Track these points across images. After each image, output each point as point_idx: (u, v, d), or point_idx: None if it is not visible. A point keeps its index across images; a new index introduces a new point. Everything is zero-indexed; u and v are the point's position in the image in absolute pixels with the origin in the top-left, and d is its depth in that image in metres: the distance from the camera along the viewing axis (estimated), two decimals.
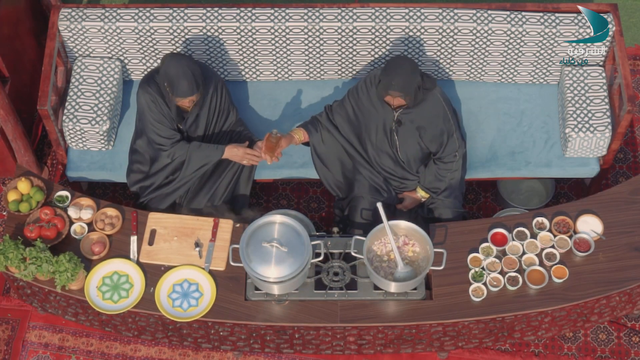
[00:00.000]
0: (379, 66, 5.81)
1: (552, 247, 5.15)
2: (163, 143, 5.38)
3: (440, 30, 5.59)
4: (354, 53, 5.75)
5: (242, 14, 5.62)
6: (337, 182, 5.60)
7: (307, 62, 5.82)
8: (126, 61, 5.81)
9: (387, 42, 5.66)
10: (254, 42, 5.69)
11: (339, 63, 5.82)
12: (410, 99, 5.11)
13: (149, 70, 5.84)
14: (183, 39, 5.65)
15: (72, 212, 5.24)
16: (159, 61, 5.79)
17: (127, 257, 5.16)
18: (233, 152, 5.41)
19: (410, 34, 5.61)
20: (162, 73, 5.21)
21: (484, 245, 5.15)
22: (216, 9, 5.63)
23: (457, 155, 5.37)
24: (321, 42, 5.68)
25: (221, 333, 5.19)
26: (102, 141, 5.69)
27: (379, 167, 5.46)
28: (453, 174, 5.42)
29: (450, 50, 5.71)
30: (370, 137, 5.38)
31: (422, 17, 5.58)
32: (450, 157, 5.36)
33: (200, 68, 5.27)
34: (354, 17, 5.60)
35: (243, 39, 5.67)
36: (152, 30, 5.62)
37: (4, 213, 6.05)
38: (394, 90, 5.06)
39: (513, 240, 5.17)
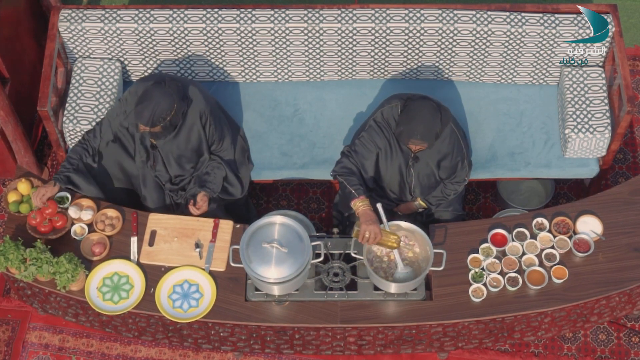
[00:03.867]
0: (379, 66, 5.83)
1: (552, 247, 5.15)
2: (91, 130, 5.34)
3: (440, 32, 5.60)
4: (354, 54, 5.76)
5: (242, 15, 5.62)
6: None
7: (307, 63, 5.82)
8: (126, 62, 5.81)
9: (387, 43, 5.67)
10: (254, 43, 5.69)
11: (339, 64, 5.83)
12: (431, 144, 5.07)
13: (149, 71, 5.84)
14: (183, 40, 5.66)
15: (73, 213, 5.24)
16: (159, 62, 5.79)
17: (128, 258, 5.16)
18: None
19: (410, 35, 5.62)
20: (145, 88, 5.13)
21: (483, 245, 5.15)
22: (216, 10, 5.63)
23: (465, 179, 5.37)
24: (321, 43, 5.69)
25: (221, 334, 5.20)
26: None
27: (385, 192, 5.44)
28: (456, 194, 5.42)
29: (449, 51, 5.71)
30: (386, 172, 5.31)
31: (422, 18, 5.59)
32: (460, 182, 5.36)
33: (179, 109, 5.09)
34: (354, 18, 5.61)
35: (243, 40, 5.67)
36: (152, 32, 5.62)
37: (4, 214, 6.05)
38: (417, 139, 5.00)
39: (513, 240, 5.17)
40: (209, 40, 5.67)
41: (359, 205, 4.99)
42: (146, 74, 5.85)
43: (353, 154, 5.21)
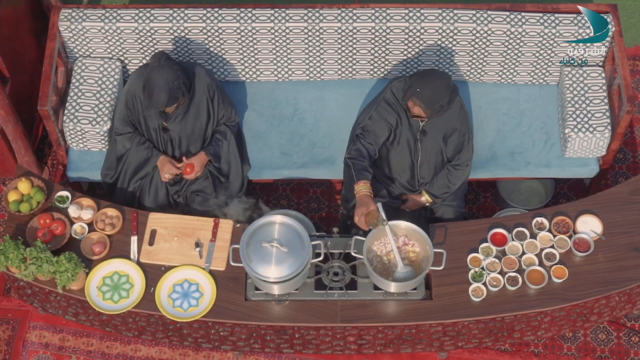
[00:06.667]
0: (379, 65, 5.83)
1: (552, 247, 5.16)
2: (117, 128, 5.48)
3: (440, 31, 5.60)
4: (354, 54, 5.76)
5: (242, 15, 5.63)
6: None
7: (307, 63, 5.83)
8: (127, 61, 5.82)
9: (387, 42, 5.67)
10: (254, 42, 5.70)
11: (339, 63, 5.83)
12: (428, 114, 5.08)
13: None
14: (183, 39, 5.66)
15: (73, 212, 5.25)
16: None
17: (128, 257, 5.17)
18: (160, 163, 5.42)
19: (410, 34, 5.62)
20: (144, 79, 5.21)
21: (483, 245, 5.15)
22: (216, 9, 5.64)
23: (469, 164, 5.37)
24: (321, 42, 5.69)
25: (221, 333, 5.20)
26: (103, 141, 5.69)
27: (393, 177, 5.43)
28: (461, 181, 5.42)
29: (449, 51, 5.72)
30: (393, 147, 5.32)
31: (422, 17, 5.59)
32: (464, 165, 5.36)
33: (184, 75, 5.22)
34: (354, 17, 5.61)
35: (243, 39, 5.68)
36: (152, 31, 5.62)
37: (4, 213, 6.06)
38: (418, 99, 5.03)
39: (513, 240, 5.17)
40: (209, 39, 5.67)
41: (359, 189, 5.05)
42: None
43: (367, 134, 5.22)
